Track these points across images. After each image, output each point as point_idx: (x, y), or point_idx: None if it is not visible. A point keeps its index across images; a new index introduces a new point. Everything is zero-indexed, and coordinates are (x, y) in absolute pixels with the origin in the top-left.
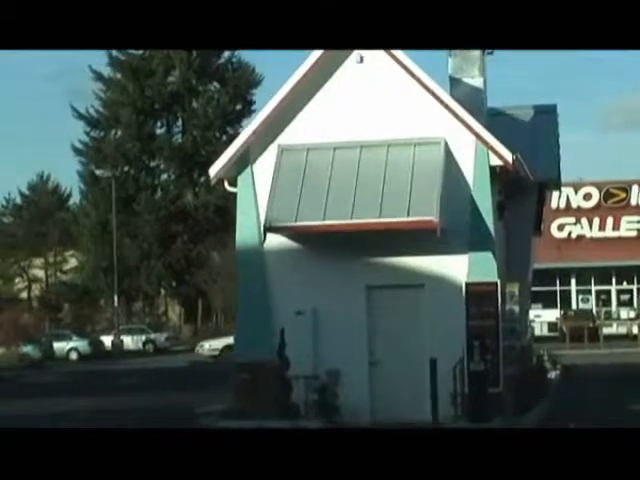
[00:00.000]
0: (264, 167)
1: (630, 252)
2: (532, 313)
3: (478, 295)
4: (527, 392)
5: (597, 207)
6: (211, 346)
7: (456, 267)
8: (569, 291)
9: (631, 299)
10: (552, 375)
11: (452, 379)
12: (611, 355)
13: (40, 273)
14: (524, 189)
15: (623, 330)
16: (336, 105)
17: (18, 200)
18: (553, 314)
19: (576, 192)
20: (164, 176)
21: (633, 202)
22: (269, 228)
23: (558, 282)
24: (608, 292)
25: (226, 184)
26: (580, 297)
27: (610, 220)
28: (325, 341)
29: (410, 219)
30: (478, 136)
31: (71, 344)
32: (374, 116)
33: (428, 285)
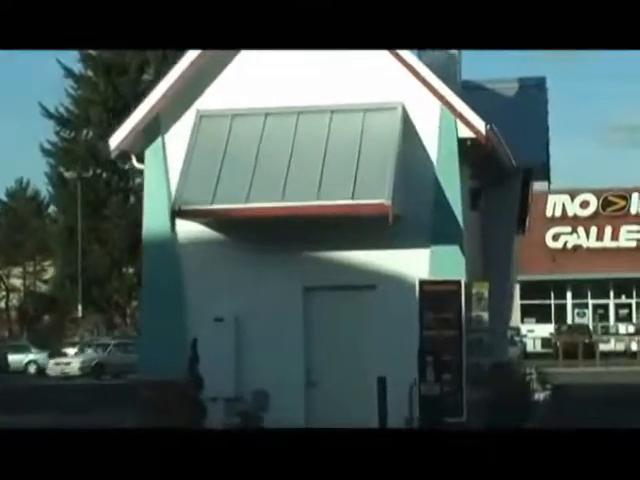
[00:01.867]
0: (178, 138)
1: (629, 264)
2: (524, 328)
3: (436, 297)
4: (504, 420)
5: (595, 216)
6: (84, 363)
7: (414, 264)
8: (564, 305)
9: (630, 314)
10: (540, 397)
11: (407, 403)
12: (608, 374)
13: (19, 282)
14: (505, 175)
15: (621, 347)
16: (269, 62)
17: None
18: (547, 329)
19: (572, 199)
20: (137, 179)
21: (633, 211)
22: (178, 212)
23: (552, 295)
24: (606, 306)
25: (133, 159)
26: (576, 311)
27: (608, 230)
28: (251, 355)
29: (356, 202)
30: (444, 101)
31: (30, 356)
32: (315, 76)
33: (380, 286)
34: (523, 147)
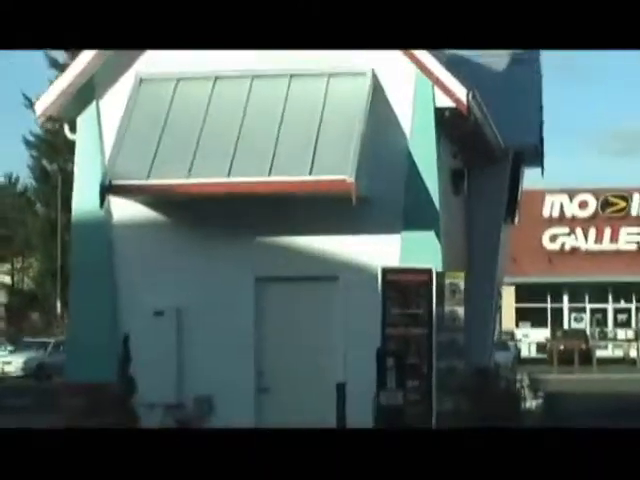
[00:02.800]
0: (116, 104)
1: (629, 267)
2: (519, 332)
3: (402, 289)
4: None
5: (594, 217)
6: (26, 363)
7: (383, 252)
8: (561, 309)
9: (629, 319)
10: (532, 406)
11: (371, 414)
12: (606, 381)
13: (8, 279)
14: (492, 157)
15: (620, 353)
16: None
17: None
18: (543, 334)
19: (571, 200)
20: None
21: (634, 212)
22: (109, 188)
23: (549, 298)
24: (604, 311)
25: (66, 128)
26: (573, 315)
27: (608, 231)
28: (194, 354)
29: (314, 179)
30: (419, 64)
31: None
32: None
33: (343, 277)
34: (514, 127)
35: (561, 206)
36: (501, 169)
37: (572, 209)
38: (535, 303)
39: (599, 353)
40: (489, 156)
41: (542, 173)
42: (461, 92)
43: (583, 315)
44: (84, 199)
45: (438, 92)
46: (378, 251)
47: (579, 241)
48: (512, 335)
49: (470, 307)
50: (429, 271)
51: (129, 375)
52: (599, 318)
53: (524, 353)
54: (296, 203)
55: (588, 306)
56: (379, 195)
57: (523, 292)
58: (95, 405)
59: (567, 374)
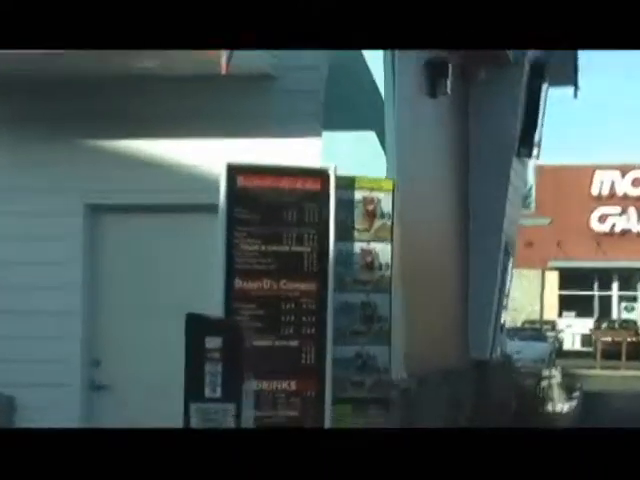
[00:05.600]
0: None
1: None
2: (562, 322)
3: (266, 206)
4: None
5: None
6: None
7: (292, 163)
8: (609, 297)
9: None
10: (562, 408)
11: None
12: None
13: None
14: (498, 59)
15: None
16: None
17: None
18: (589, 324)
19: (623, 176)
20: None
21: None
22: None
23: (597, 285)
24: None
25: None
26: (623, 305)
27: None
28: None
29: None
30: None
31: None
32: None
33: None
34: None
35: (612, 183)
36: (513, 79)
37: (624, 186)
38: (581, 290)
39: None
40: (493, 56)
41: (575, 93)
42: None
43: (634, 304)
44: None
45: None
46: (283, 161)
47: (631, 222)
48: (553, 325)
49: (466, 275)
50: (323, 174)
51: None
52: None
53: (567, 346)
54: (150, 81)
55: None
56: (286, 72)
57: (568, 278)
58: None
59: (612, 370)
